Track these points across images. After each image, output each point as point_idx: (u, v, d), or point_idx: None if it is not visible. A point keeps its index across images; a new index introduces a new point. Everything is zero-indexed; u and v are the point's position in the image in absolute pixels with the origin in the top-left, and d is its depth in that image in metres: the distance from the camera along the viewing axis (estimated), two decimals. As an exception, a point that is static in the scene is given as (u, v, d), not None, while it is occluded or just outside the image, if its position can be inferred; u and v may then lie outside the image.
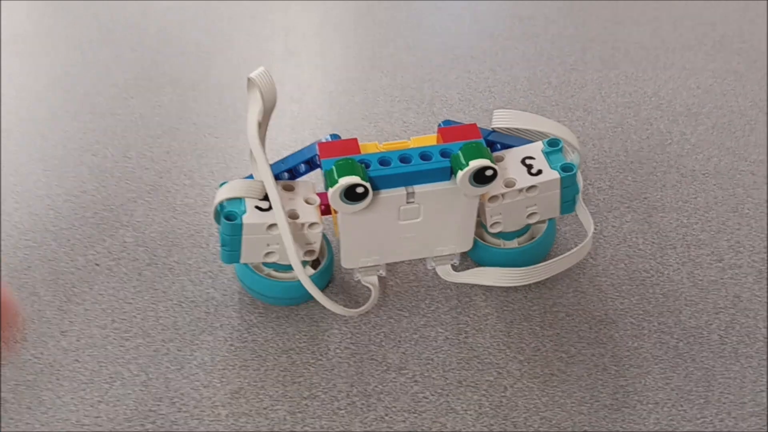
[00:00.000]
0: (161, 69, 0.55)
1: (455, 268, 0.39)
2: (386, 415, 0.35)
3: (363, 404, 0.35)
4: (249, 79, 0.33)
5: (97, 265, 0.41)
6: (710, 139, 0.49)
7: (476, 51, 0.57)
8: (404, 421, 0.34)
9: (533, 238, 0.39)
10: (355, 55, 0.57)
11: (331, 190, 0.32)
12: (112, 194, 0.45)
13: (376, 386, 0.36)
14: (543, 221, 0.39)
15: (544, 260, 0.37)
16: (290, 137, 0.49)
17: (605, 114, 0.51)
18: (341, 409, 0.35)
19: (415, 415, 0.35)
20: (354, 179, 0.31)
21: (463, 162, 0.32)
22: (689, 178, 0.46)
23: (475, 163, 0.32)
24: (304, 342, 0.37)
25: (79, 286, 0.40)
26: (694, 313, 0.38)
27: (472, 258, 0.41)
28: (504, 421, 0.34)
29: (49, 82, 0.54)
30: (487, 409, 0.35)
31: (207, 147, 0.49)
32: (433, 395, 0.35)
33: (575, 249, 0.36)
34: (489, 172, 0.33)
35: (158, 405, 0.35)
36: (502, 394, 0.35)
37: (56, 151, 0.48)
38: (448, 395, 0.35)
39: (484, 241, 0.39)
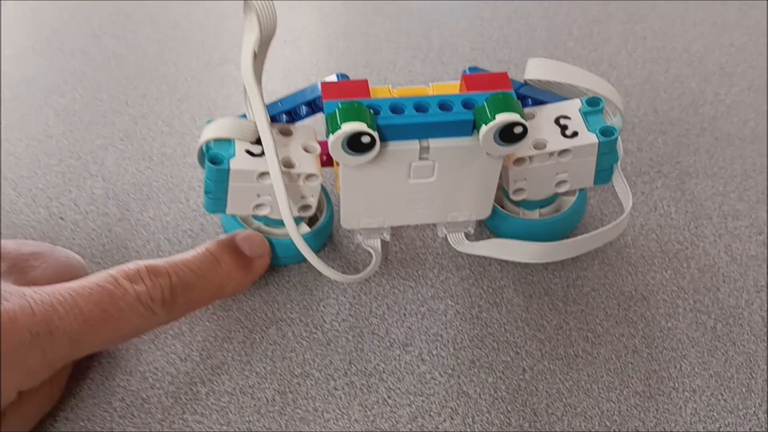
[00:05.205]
0: (138, 5, 0.50)
1: (468, 237, 0.35)
2: (389, 397, 0.30)
3: (363, 384, 0.31)
4: (245, 2, 0.28)
5: (62, 219, 0.36)
6: (746, 101, 0.44)
7: (489, -3, 0.52)
8: (410, 405, 0.30)
9: (558, 210, 0.35)
10: (355, -4, 0.52)
11: (332, 137, 0.27)
12: (80, 140, 0.40)
13: (377, 364, 0.31)
14: (572, 192, 0.35)
15: (571, 235, 0.32)
16: (282, 83, 0.44)
17: (632, 69, 0.46)
18: (338, 390, 0.31)
19: (422, 397, 0.30)
20: (359, 126, 0.27)
21: (489, 115, 0.27)
22: (724, 143, 0.42)
23: (503, 118, 0.27)
24: (297, 312, 0.33)
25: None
26: (733, 291, 0.34)
27: (488, 226, 0.36)
28: (522, 407, 0.30)
29: (13, 17, 0.49)
30: (504, 393, 0.31)
31: (188, 92, 0.44)
32: (442, 376, 0.31)
33: (609, 225, 0.32)
34: (518, 130, 0.28)
35: (128, 380, 0.31)
36: (521, 377, 0.31)
37: (18, 90, 0.43)
38: (459, 376, 0.31)
39: (503, 208, 0.35)
